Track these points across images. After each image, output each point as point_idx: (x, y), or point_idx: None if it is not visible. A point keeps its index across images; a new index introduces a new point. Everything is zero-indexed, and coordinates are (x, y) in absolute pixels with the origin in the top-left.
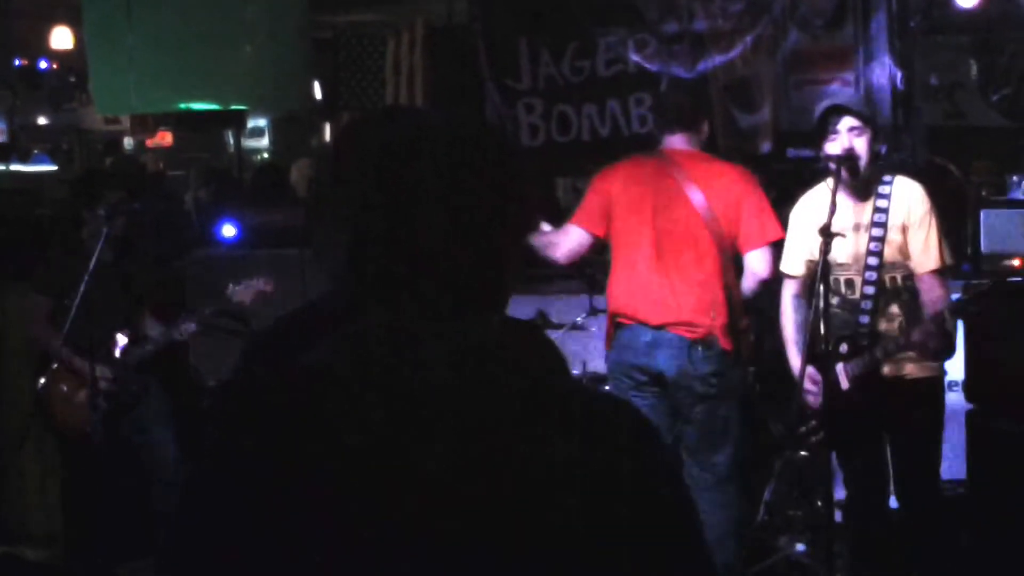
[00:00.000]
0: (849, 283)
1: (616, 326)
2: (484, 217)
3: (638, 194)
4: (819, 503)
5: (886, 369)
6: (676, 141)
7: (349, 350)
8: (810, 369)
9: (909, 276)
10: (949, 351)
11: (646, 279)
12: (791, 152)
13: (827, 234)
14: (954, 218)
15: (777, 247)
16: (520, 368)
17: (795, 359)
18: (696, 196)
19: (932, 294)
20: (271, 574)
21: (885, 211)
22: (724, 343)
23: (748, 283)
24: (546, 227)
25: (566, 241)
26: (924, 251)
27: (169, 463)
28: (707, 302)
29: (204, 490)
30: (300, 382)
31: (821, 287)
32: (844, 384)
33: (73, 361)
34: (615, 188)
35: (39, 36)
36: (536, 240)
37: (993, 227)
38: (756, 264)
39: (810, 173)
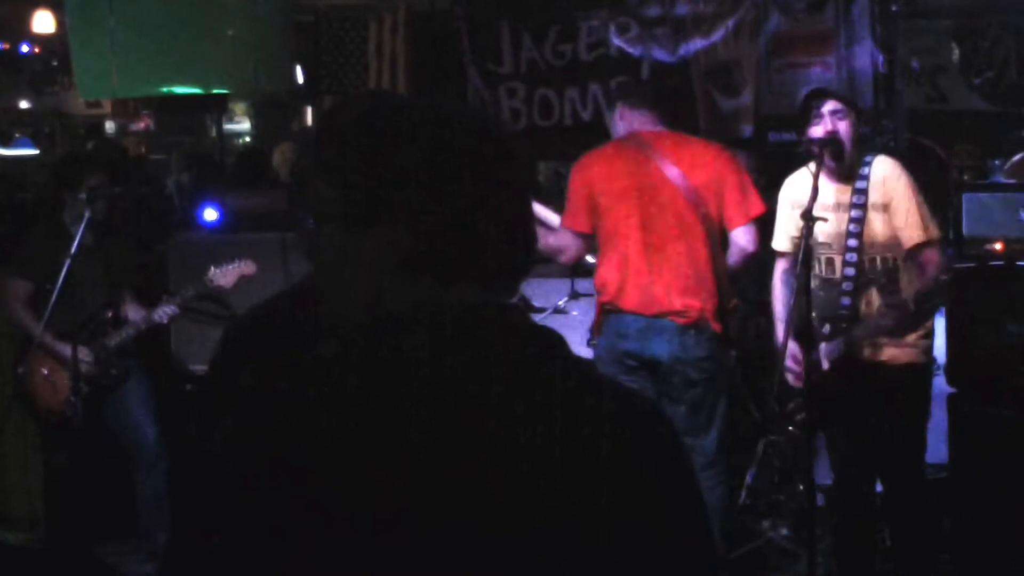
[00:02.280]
0: (830, 262)
1: (605, 313)
2: (466, 200)
3: (620, 183)
4: (801, 487)
5: (870, 353)
6: (645, 119)
7: (330, 332)
8: (793, 348)
9: (888, 258)
10: (919, 325)
11: (635, 267)
12: (773, 136)
13: (808, 218)
14: (937, 199)
15: (760, 221)
16: (502, 351)
17: (780, 334)
18: (677, 178)
19: (926, 265)
20: (259, 561)
21: (864, 191)
22: (715, 326)
23: (735, 258)
24: (549, 215)
25: (564, 247)
26: (907, 224)
27: (149, 445)
28: (697, 286)
29: (192, 480)
30: (285, 368)
31: (803, 271)
32: (824, 365)
33: (54, 345)
34: (596, 181)
35: (21, 20)
36: (541, 245)
37: (975, 211)
38: (742, 240)
39: (793, 157)
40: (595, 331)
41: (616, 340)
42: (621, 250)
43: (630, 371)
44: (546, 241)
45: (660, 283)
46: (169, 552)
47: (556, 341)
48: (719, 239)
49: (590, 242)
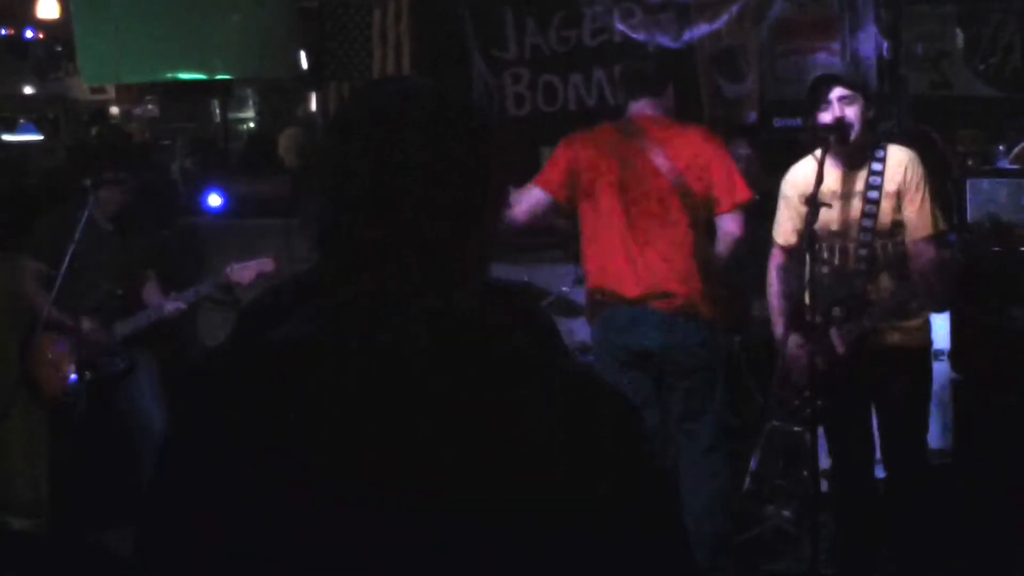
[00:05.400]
0: (843, 250)
1: (596, 303)
2: (466, 187)
3: (604, 165)
4: (805, 472)
5: (873, 339)
6: (641, 107)
7: (331, 318)
8: (795, 338)
9: (899, 245)
10: (942, 305)
11: (619, 252)
12: (778, 122)
13: (813, 204)
14: (938, 186)
15: (748, 207)
16: (502, 338)
17: (779, 328)
18: (663, 163)
19: (923, 258)
20: (248, 546)
21: (880, 174)
22: (704, 311)
23: (723, 245)
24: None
25: (526, 200)
26: (918, 217)
27: (156, 432)
28: (682, 271)
29: (178, 464)
30: (279, 352)
31: (808, 257)
32: (839, 348)
33: (62, 327)
34: (581, 158)
35: (25, 6)
36: None
37: (979, 196)
38: (729, 225)
39: (797, 143)
40: (589, 318)
41: (608, 333)
42: (605, 236)
43: (624, 365)
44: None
45: (644, 269)
46: (147, 536)
47: (554, 328)
48: (704, 225)
49: (554, 207)
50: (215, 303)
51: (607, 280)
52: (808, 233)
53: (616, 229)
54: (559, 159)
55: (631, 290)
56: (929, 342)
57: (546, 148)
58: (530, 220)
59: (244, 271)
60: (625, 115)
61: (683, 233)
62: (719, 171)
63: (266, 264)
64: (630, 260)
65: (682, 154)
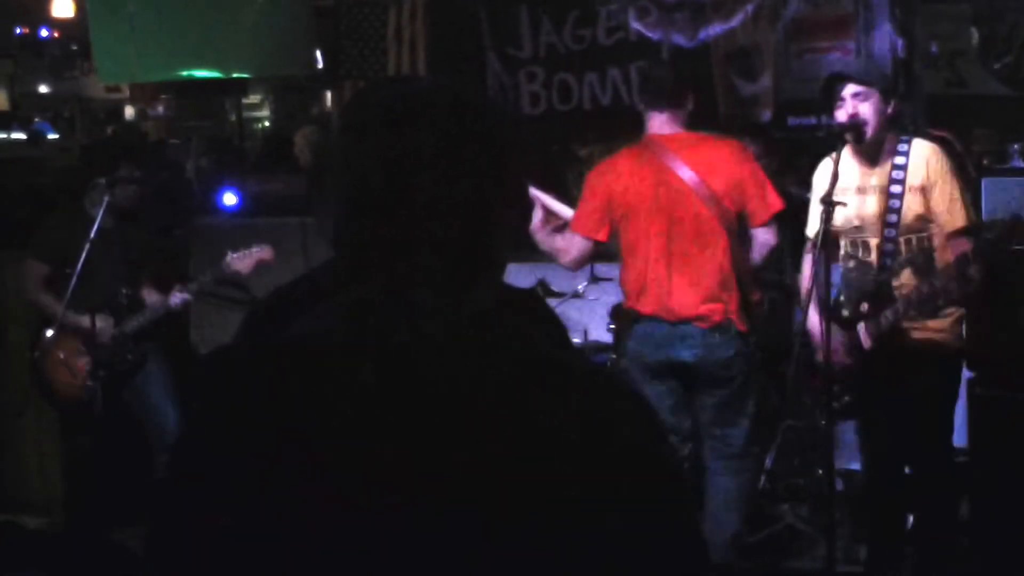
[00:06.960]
0: (864, 245)
1: (632, 320)
2: (479, 187)
3: (638, 191)
4: (820, 471)
5: (901, 337)
6: (662, 121)
7: (344, 317)
8: (818, 331)
9: (923, 240)
10: (965, 300)
11: (656, 275)
12: (792, 121)
13: (828, 203)
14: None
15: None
16: (518, 337)
17: (813, 319)
18: (695, 182)
19: (958, 252)
20: (261, 543)
21: (904, 168)
22: (739, 325)
23: (759, 254)
24: (563, 208)
25: (572, 249)
26: (949, 210)
27: (170, 429)
28: (719, 289)
29: (191, 462)
30: (293, 350)
31: (821, 254)
32: (867, 343)
33: (76, 326)
34: (614, 190)
35: (40, 4)
36: (546, 244)
37: (994, 195)
38: (764, 235)
39: (812, 141)
40: (622, 332)
41: (641, 348)
42: (642, 258)
43: (656, 376)
44: (552, 241)
45: (681, 290)
46: (159, 533)
47: (565, 330)
48: (738, 237)
49: (598, 248)
50: (230, 300)
51: (645, 301)
52: (823, 232)
53: (653, 250)
54: (592, 194)
55: (668, 311)
56: (958, 345)
57: (576, 146)
58: (583, 264)
59: (243, 260)
60: (645, 128)
61: (719, 249)
62: (752, 186)
63: (264, 252)
64: (667, 282)
65: (714, 172)
